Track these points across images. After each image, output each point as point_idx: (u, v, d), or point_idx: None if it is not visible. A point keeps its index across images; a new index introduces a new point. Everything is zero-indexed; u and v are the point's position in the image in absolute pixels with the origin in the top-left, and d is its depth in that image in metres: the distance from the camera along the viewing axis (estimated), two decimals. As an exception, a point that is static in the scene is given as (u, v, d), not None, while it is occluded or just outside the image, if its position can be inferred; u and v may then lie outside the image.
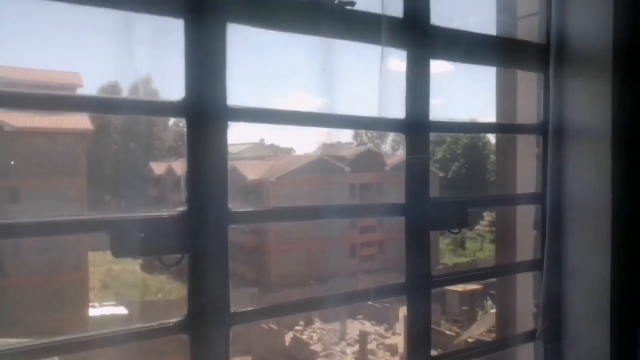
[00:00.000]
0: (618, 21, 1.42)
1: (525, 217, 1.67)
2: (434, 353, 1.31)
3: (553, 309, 1.50)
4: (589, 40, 1.48)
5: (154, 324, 0.98)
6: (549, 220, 1.46)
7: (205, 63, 0.97)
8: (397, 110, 1.27)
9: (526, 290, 1.66)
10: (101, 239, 0.97)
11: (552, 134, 1.45)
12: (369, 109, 1.23)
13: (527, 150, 1.70)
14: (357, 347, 13.82)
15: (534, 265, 1.53)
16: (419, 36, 1.26)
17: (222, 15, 0.97)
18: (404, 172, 1.26)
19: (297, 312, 1.26)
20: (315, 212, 1.17)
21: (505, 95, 1.70)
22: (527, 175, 1.69)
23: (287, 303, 1.22)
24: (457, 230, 1.35)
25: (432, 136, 1.30)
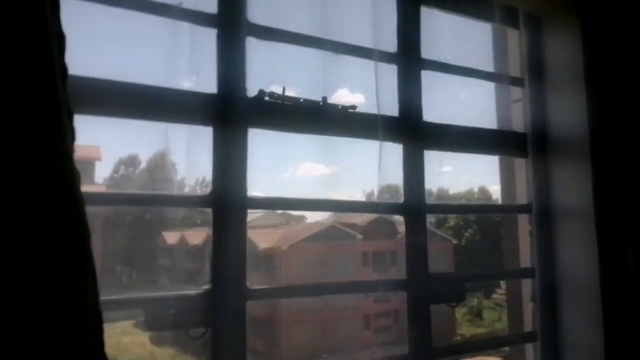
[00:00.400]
0: (591, 112, 1.61)
1: (529, 289, 1.78)
2: None
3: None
4: (567, 128, 1.66)
5: None
6: (540, 294, 1.57)
7: (230, 161, 1.15)
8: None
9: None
10: (109, 312, 1.08)
11: (537, 214, 1.60)
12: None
13: (525, 226, 1.84)
14: None
15: (531, 337, 1.61)
16: (412, 131, 1.45)
17: (244, 122, 1.17)
18: None
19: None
20: (322, 289, 1.30)
21: (506, 176, 1.87)
22: (526, 250, 1.82)
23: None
24: (455, 304, 1.46)
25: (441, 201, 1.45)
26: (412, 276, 1.41)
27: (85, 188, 0.71)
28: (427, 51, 1.53)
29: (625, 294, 1.53)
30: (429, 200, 1.46)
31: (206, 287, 1.14)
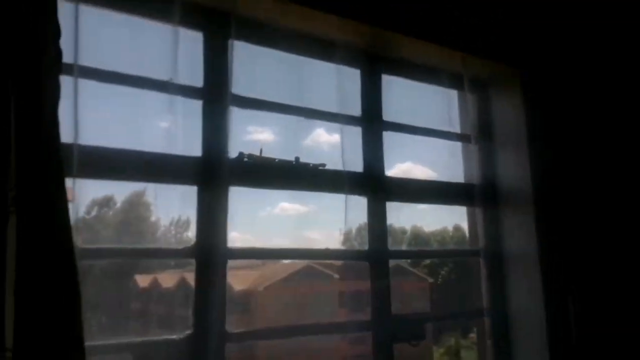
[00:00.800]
0: (533, 167, 1.82)
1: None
2: None
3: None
4: (513, 181, 1.87)
5: None
6: (494, 333, 1.74)
7: (212, 217, 1.30)
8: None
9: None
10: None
11: (487, 258, 1.79)
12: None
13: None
14: None
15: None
16: (375, 185, 1.62)
17: (226, 183, 1.32)
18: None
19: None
20: (294, 331, 1.43)
21: (472, 220, 2.02)
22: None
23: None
24: (415, 342, 1.60)
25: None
26: (377, 317, 1.55)
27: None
28: (390, 114, 1.73)
29: (567, 331, 1.70)
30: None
31: (188, 331, 1.26)
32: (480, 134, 1.91)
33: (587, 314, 1.75)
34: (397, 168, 1.76)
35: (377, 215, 1.61)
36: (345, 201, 1.52)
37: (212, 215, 1.30)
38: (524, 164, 1.84)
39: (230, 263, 1.29)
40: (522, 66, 1.87)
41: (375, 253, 1.59)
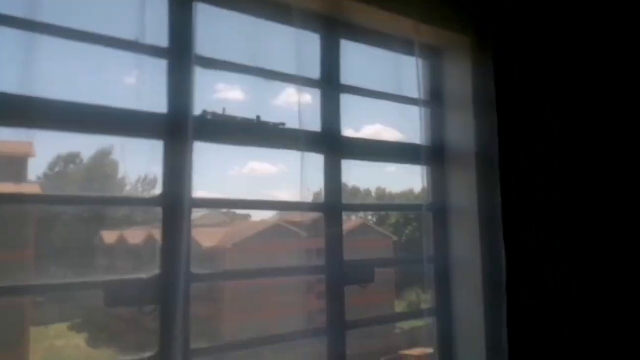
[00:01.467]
0: (477, 130, 1.99)
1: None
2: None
3: (446, 348, 1.95)
4: (459, 143, 2.04)
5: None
6: (437, 278, 1.96)
7: (178, 170, 1.41)
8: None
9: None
10: (44, 313, 1.25)
11: (434, 212, 1.97)
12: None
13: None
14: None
15: (429, 313, 1.98)
16: (332, 144, 1.76)
17: (191, 138, 1.43)
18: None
19: None
20: (253, 273, 1.59)
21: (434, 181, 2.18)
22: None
23: None
24: (365, 285, 1.79)
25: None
26: (330, 262, 1.72)
27: (17, 187, 0.92)
28: (349, 78, 1.85)
29: (499, 275, 1.92)
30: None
31: (157, 272, 1.39)
32: (431, 99, 2.05)
33: (517, 259, 1.97)
34: (366, 130, 1.89)
35: (333, 172, 1.75)
36: (302, 158, 1.65)
37: (177, 169, 1.41)
38: (469, 127, 2.00)
39: (199, 221, 1.42)
40: (472, 34, 2.00)
41: (330, 206, 1.74)
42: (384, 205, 2.14)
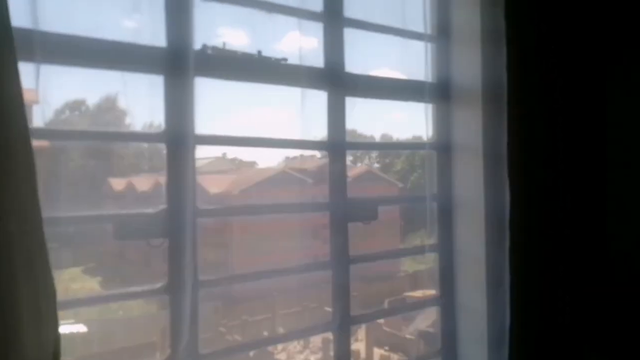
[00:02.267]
0: (484, 66, 1.95)
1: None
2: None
3: (446, 277, 2.01)
4: (465, 78, 2.00)
5: (136, 289, 1.39)
6: (440, 214, 1.98)
7: (179, 106, 1.40)
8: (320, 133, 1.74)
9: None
10: (59, 258, 1.26)
11: (438, 150, 1.96)
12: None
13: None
14: (320, 355, 14.12)
15: (432, 249, 2.02)
16: (335, 80, 1.73)
17: (191, 72, 1.41)
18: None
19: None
20: (258, 209, 1.61)
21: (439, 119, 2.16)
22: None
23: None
24: (368, 222, 1.82)
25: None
26: (334, 199, 1.74)
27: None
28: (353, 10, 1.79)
29: (501, 213, 1.93)
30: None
31: (163, 206, 1.41)
32: (438, 33, 1.99)
33: (521, 197, 1.97)
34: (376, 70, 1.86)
35: (336, 109, 1.74)
36: (304, 97, 1.63)
37: (179, 104, 1.40)
38: (477, 63, 1.95)
39: (205, 168, 1.43)
40: (481, -35, 1.92)
41: (333, 143, 1.74)
42: (388, 144, 2.14)
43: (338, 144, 1.74)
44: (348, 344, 1.75)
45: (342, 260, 1.73)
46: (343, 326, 1.72)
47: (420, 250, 2.05)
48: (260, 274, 1.62)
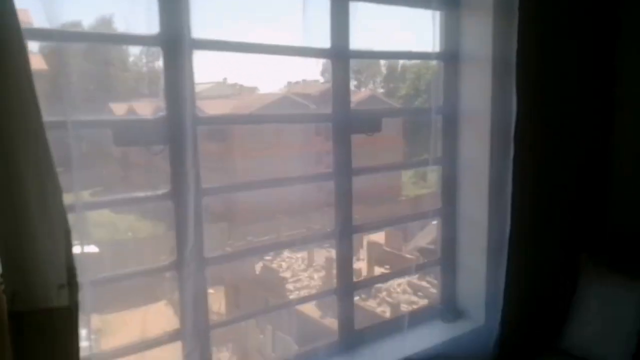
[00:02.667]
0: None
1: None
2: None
3: (449, 188, 2.02)
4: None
5: (140, 194, 1.40)
6: (445, 126, 1.95)
7: (174, 6, 1.32)
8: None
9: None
10: (66, 181, 1.24)
11: (446, 60, 1.90)
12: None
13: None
14: (323, 273, 14.72)
15: (436, 161, 2.01)
16: (339, -19, 1.63)
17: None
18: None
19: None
20: (259, 118, 1.58)
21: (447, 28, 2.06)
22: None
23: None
24: (371, 133, 1.79)
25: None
26: (337, 110, 1.70)
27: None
28: None
29: (506, 126, 1.89)
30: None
31: (162, 113, 1.38)
32: None
33: (528, 107, 1.92)
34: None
35: (340, 14, 1.65)
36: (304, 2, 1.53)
37: (174, 4, 1.32)
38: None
39: (205, 93, 1.37)
40: None
41: (338, 51, 1.67)
42: (393, 53, 2.04)
43: (341, 52, 1.67)
44: (350, 253, 1.79)
45: (344, 171, 1.73)
46: (345, 234, 1.75)
47: (424, 163, 2.04)
48: (263, 182, 1.63)
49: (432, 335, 1.92)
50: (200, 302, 1.46)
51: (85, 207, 1.31)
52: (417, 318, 2.01)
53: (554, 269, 2.15)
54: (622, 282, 1.92)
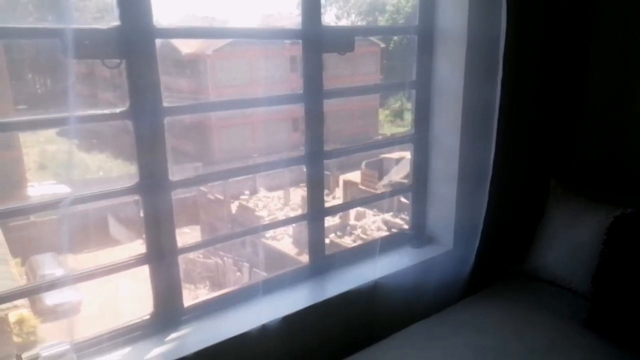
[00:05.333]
0: None
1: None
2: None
3: (423, 117, 1.98)
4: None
5: (96, 112, 1.31)
6: (420, 47, 1.88)
7: None
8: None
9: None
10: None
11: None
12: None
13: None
14: (299, 212, 14.84)
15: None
16: None
17: None
18: None
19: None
20: (220, 32, 1.47)
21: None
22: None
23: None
24: (344, 52, 1.70)
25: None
26: (308, 26, 1.60)
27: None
28: None
29: (484, 103, 1.83)
30: None
31: (116, 23, 1.27)
32: None
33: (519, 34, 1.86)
34: None
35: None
36: None
37: None
38: None
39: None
40: None
41: None
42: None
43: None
44: (321, 178, 1.76)
45: (315, 91, 1.65)
46: (315, 158, 1.71)
47: (399, 87, 1.98)
48: (231, 103, 1.55)
49: (402, 260, 1.94)
50: (167, 225, 1.42)
51: (30, 125, 1.23)
52: (388, 244, 2.02)
53: (525, 196, 2.17)
54: (586, 206, 1.95)
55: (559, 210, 2.03)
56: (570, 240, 1.95)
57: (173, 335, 1.46)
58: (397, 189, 2.22)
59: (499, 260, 2.10)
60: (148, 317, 1.47)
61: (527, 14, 1.93)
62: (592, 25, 2.19)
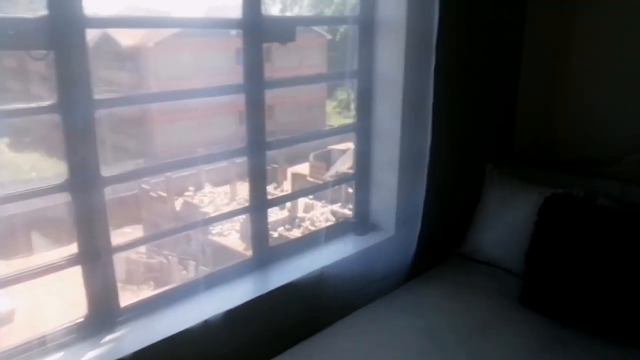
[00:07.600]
0: None
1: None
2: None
3: (365, 105, 2.02)
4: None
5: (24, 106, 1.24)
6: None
7: None
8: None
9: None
10: None
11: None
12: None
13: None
14: (247, 204, 14.68)
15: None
16: None
17: None
18: None
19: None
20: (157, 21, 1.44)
21: None
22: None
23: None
24: (284, 42, 1.70)
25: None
26: (248, 16, 1.57)
27: None
28: None
29: (423, 92, 1.88)
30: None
31: (44, 12, 1.20)
32: None
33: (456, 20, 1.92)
34: None
35: None
36: None
37: None
38: None
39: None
40: None
41: None
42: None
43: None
44: (264, 169, 1.75)
45: (256, 81, 1.64)
46: (257, 148, 1.70)
47: (340, 76, 2.00)
48: (167, 94, 1.51)
49: (345, 248, 1.97)
50: (100, 223, 1.38)
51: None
52: (333, 233, 2.05)
53: (463, 180, 2.26)
54: (521, 189, 2.06)
55: (495, 193, 2.13)
56: (505, 222, 2.05)
57: (109, 337, 1.42)
58: (340, 179, 2.24)
59: (439, 244, 2.18)
60: (82, 319, 1.42)
61: (460, 1, 2.00)
62: (525, 11, 2.30)
